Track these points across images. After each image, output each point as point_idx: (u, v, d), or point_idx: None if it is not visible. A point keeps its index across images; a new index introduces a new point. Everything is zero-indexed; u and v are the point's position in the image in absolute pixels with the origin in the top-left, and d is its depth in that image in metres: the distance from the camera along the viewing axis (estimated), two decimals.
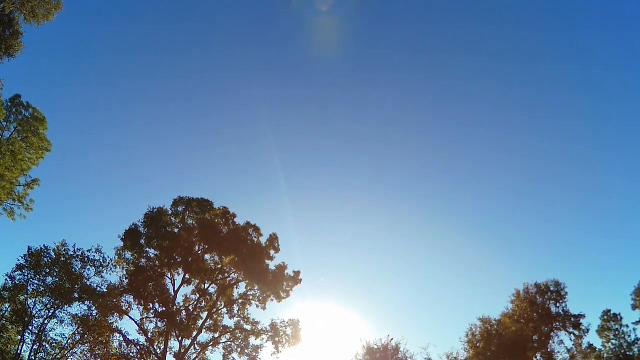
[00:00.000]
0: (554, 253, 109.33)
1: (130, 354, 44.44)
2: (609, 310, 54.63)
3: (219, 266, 50.10)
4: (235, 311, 50.80)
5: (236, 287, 51.37)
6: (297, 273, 51.90)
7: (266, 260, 50.81)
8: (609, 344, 53.07)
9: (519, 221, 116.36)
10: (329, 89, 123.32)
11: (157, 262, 48.75)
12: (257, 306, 51.18)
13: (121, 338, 43.77)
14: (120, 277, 47.05)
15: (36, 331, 35.31)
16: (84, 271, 37.42)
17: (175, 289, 48.89)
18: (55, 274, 36.02)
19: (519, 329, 45.35)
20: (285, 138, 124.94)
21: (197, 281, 50.39)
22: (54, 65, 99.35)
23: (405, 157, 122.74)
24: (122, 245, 48.27)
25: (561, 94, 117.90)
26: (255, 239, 51.15)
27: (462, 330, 47.38)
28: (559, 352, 47.56)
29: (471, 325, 46.71)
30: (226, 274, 50.46)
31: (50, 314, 35.79)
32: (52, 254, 36.71)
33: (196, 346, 48.89)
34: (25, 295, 35.58)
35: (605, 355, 51.99)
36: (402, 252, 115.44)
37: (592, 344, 51.83)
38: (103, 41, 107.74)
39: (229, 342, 49.46)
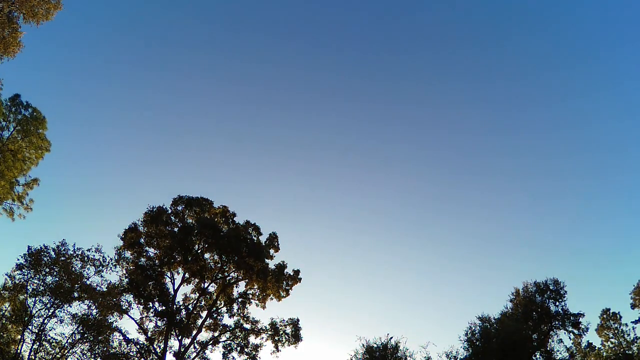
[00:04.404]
0: (553, 252, 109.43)
1: (130, 353, 44.52)
2: (609, 309, 54.71)
3: (219, 265, 50.18)
4: (235, 310, 50.94)
5: (236, 286, 51.53)
6: (296, 272, 52.05)
7: (266, 260, 50.93)
8: (609, 343, 53.14)
9: (519, 220, 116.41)
10: (329, 89, 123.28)
11: (157, 262, 48.84)
12: (257, 305, 51.38)
13: (121, 337, 43.86)
14: (120, 277, 47.20)
15: (36, 331, 35.31)
16: (84, 271, 37.40)
17: (175, 288, 49.04)
18: (55, 273, 35.99)
19: (518, 328, 45.28)
20: (285, 137, 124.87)
21: (197, 280, 50.50)
22: (53, 65, 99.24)
23: (404, 154, 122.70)
24: (122, 244, 48.39)
25: (558, 91, 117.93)
26: (255, 238, 51.27)
27: (461, 329, 47.35)
28: (558, 351, 47.54)
29: (470, 324, 46.68)
30: (226, 273, 50.55)
31: (50, 313, 35.77)
32: (52, 253, 36.68)
33: (196, 345, 49.03)
34: (25, 295, 35.57)
35: (604, 354, 52.05)
36: (401, 251, 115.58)
37: (591, 343, 51.90)
38: (102, 41, 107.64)
39: (228, 341, 49.60)
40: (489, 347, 44.20)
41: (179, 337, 48.05)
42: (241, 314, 50.71)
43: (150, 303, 47.97)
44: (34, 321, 35.39)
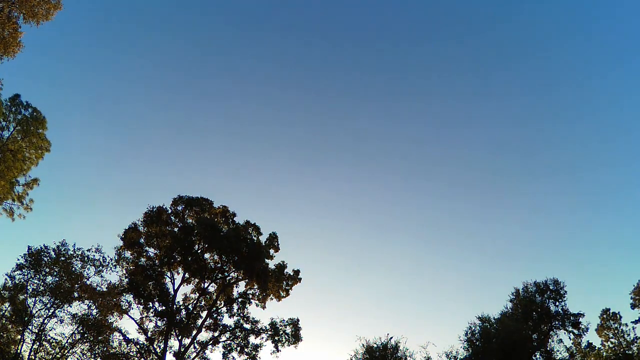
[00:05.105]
0: (553, 252, 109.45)
1: (130, 353, 44.55)
2: (608, 310, 54.69)
3: (219, 265, 50.17)
4: (235, 310, 50.92)
5: (236, 286, 51.51)
6: (296, 272, 52.07)
7: (266, 260, 50.91)
8: (608, 343, 53.11)
9: (518, 220, 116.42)
10: (329, 89, 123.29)
11: (157, 262, 48.85)
12: (257, 305, 51.36)
13: (121, 337, 43.94)
14: (120, 277, 47.24)
15: (36, 331, 35.36)
16: (84, 271, 37.50)
17: (175, 288, 49.04)
18: (55, 273, 36.07)
19: (518, 328, 45.28)
20: (285, 136, 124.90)
21: (196, 280, 50.51)
22: (54, 65, 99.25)
23: (404, 153, 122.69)
24: (122, 244, 48.39)
25: (559, 88, 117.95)
26: (255, 238, 51.24)
27: (461, 329, 47.45)
28: (558, 351, 47.54)
29: (470, 324, 46.75)
30: (226, 273, 50.53)
31: (50, 313, 35.83)
32: (52, 253, 36.75)
33: (196, 345, 49.03)
34: (26, 295, 35.62)
35: (604, 354, 52.02)
36: (401, 251, 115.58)
37: (591, 343, 51.86)
38: (102, 41, 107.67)
39: (228, 342, 49.59)
40: (489, 347, 44.22)
41: (179, 337, 48.05)
42: (241, 314, 50.70)
43: (150, 303, 47.98)
44: (34, 321, 35.44)
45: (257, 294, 51.04)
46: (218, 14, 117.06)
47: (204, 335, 49.83)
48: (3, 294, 35.11)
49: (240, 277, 50.47)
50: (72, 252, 37.36)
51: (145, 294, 47.46)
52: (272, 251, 51.71)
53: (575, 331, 48.46)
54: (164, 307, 48.06)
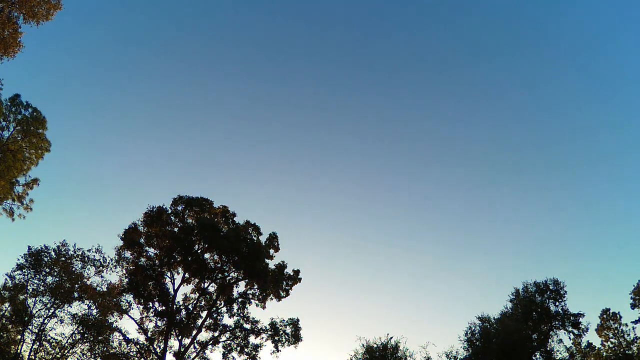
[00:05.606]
0: (553, 252, 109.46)
1: (130, 353, 44.57)
2: (608, 310, 54.65)
3: (219, 265, 50.17)
4: (235, 310, 50.93)
5: (236, 286, 51.51)
6: (296, 272, 52.07)
7: (266, 260, 50.92)
8: (608, 343, 53.07)
9: (519, 220, 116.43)
10: (330, 92, 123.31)
11: (157, 262, 48.85)
12: (257, 305, 51.36)
13: (121, 337, 43.94)
14: (120, 277, 47.22)
15: (36, 331, 35.36)
16: (84, 271, 37.51)
17: (175, 288, 49.05)
18: (55, 273, 36.07)
19: (518, 328, 45.28)
20: (286, 136, 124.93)
21: (196, 280, 50.51)
22: (54, 65, 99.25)
23: (406, 154, 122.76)
24: (122, 244, 48.39)
25: (559, 89, 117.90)
26: (255, 238, 51.25)
27: (461, 330, 47.52)
28: (558, 351, 47.52)
29: (470, 324, 46.81)
30: (226, 273, 50.53)
31: (50, 313, 35.83)
32: (53, 253, 36.76)
33: (196, 345, 49.05)
34: (26, 295, 35.63)
35: (604, 354, 51.99)
36: (401, 251, 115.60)
37: (591, 343, 51.82)
38: (102, 40, 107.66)
39: (228, 341, 49.61)
40: (489, 347, 44.23)
41: (179, 337, 48.06)
42: (241, 314, 50.70)
43: (150, 303, 47.99)
44: (34, 321, 35.45)
45: (257, 294, 51.04)
46: (220, 11, 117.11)
47: (204, 335, 49.92)
48: (3, 294, 35.11)
49: (240, 277, 50.48)
50: (72, 252, 37.39)
51: (145, 294, 47.46)
52: (272, 251, 51.73)
53: (575, 331, 48.44)
54: (164, 307, 48.06)
